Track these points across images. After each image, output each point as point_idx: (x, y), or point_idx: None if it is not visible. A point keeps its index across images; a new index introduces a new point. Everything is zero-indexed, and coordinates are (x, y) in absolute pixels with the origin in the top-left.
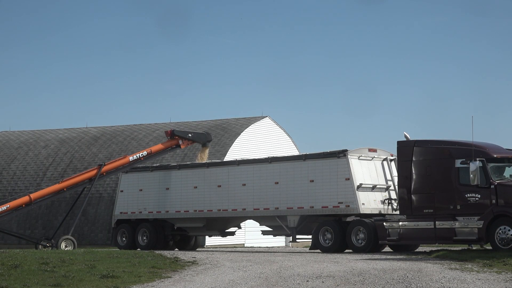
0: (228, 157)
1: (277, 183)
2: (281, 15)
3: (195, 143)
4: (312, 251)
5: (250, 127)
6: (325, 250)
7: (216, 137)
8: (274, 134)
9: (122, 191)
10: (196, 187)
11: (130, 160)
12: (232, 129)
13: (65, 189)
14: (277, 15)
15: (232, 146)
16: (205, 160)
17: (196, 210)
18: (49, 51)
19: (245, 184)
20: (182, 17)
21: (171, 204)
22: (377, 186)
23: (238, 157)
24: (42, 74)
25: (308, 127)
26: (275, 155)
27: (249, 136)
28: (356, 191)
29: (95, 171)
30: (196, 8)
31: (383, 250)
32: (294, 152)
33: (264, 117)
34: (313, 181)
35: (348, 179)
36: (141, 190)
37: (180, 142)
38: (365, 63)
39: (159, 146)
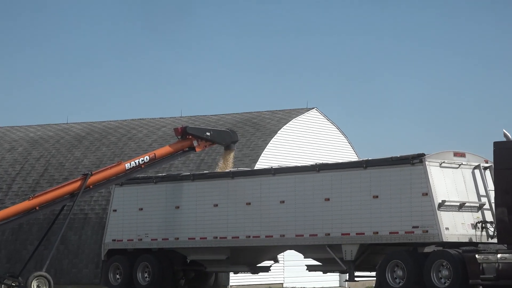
0: (260, 164)
1: (328, 199)
2: None
3: (215, 145)
4: None
5: (290, 122)
6: None
7: (244, 136)
8: (324, 132)
9: (115, 210)
10: (217, 205)
11: (127, 168)
12: (266, 126)
13: (37, 208)
14: None
15: (266, 149)
16: (229, 168)
17: (216, 237)
18: (17, 29)
19: (283, 201)
20: None
21: (183, 228)
22: (466, 204)
23: (275, 163)
24: (5, 56)
25: (367, 124)
26: (325, 161)
27: (290, 135)
28: (437, 211)
29: (78, 183)
30: None
31: None
32: (352, 156)
33: (309, 109)
34: (377, 197)
35: (426, 194)
36: (141, 209)
37: (195, 143)
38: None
39: (166, 149)
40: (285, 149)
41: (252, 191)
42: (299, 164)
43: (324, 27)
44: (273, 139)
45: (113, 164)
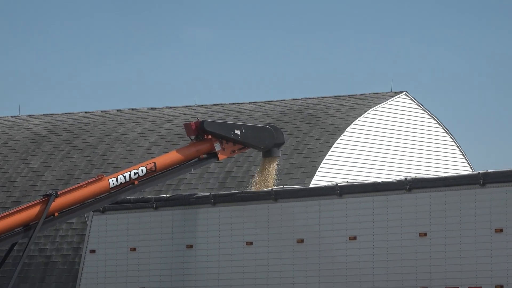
0: (319, 179)
1: (425, 234)
2: None
3: (248, 150)
4: None
5: (367, 114)
6: None
7: (293, 136)
8: (419, 130)
9: (93, 251)
10: (252, 243)
11: (111, 186)
12: (328, 119)
13: None
14: None
15: (328, 155)
16: (270, 185)
17: None
18: None
19: (355, 238)
20: None
21: (198, 279)
22: None
23: (341, 178)
24: None
25: (481, 119)
26: (419, 174)
27: (365, 134)
28: None
29: (37, 210)
30: None
31: None
32: (462, 166)
33: (396, 93)
34: (501, 230)
35: None
36: (133, 249)
37: (217, 146)
38: None
39: (172, 156)
40: (357, 155)
41: (307, 221)
42: (379, 180)
43: None
44: (338, 141)
45: (91, 180)
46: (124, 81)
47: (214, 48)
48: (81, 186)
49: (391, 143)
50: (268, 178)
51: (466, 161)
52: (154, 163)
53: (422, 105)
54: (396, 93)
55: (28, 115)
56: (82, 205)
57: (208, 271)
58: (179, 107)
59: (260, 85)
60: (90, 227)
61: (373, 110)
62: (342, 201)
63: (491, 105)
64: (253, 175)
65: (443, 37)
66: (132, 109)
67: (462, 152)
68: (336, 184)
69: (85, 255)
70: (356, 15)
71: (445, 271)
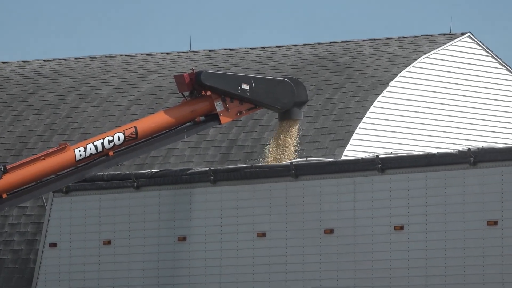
0: (353, 149)
1: (495, 223)
2: None
3: (259, 110)
4: None
5: (417, 62)
6: None
7: (320, 93)
8: (487, 81)
9: (53, 245)
10: (265, 233)
11: (78, 158)
12: (365, 70)
13: None
14: None
15: (366, 117)
16: (289, 157)
17: None
18: None
19: (402, 227)
20: None
21: (193, 281)
22: None
23: (383, 147)
24: None
25: None
26: (486, 143)
27: (416, 87)
28: None
29: None
30: None
31: None
32: None
33: (457, 35)
34: None
35: None
36: (107, 242)
37: (219, 106)
38: None
39: (159, 119)
40: (405, 118)
41: (338, 205)
42: (434, 150)
43: None
44: (380, 98)
45: (51, 150)
46: (95, 20)
47: None
48: (37, 159)
49: (450, 101)
50: (286, 148)
51: None
52: (135, 127)
53: (491, 51)
54: (456, 35)
55: None
56: (39, 183)
57: (207, 271)
58: (168, 53)
59: (275, 25)
60: (50, 212)
61: (426, 57)
62: (384, 178)
63: None
64: (266, 144)
65: None
66: (106, 56)
67: None
68: (377, 156)
69: (43, 250)
70: None
71: None
